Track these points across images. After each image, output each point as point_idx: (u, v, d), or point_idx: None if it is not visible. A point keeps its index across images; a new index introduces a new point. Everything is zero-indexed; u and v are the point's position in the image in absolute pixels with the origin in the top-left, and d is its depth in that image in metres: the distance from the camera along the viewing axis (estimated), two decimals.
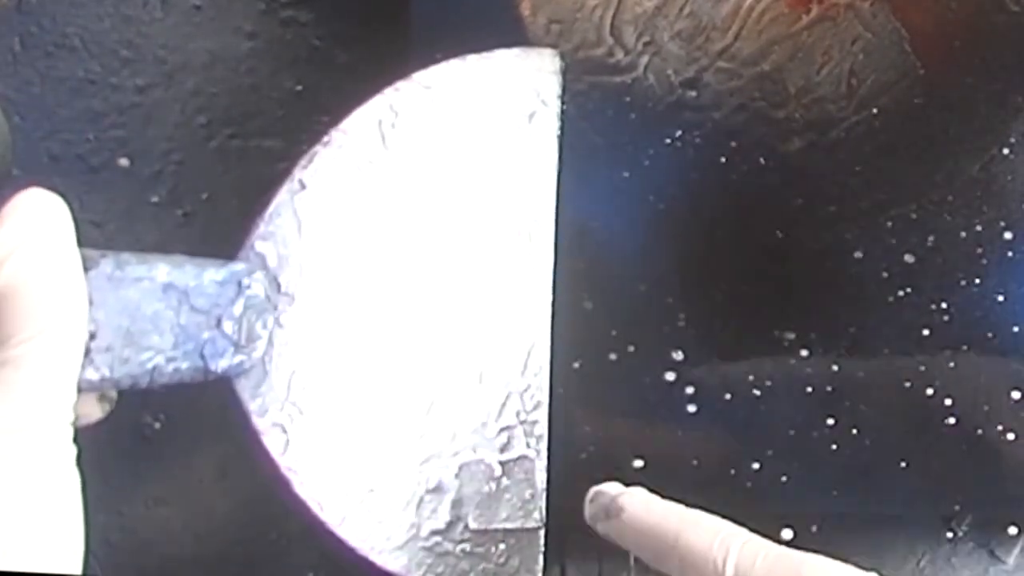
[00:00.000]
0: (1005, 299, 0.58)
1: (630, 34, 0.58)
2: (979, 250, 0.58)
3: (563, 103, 0.55)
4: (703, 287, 0.60)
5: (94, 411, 0.44)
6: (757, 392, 0.60)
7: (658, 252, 0.60)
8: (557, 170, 0.54)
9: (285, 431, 0.48)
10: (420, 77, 0.52)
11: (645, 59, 0.58)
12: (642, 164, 0.59)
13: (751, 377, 0.60)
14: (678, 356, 0.60)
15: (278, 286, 0.47)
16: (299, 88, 0.65)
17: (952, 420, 0.59)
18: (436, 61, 0.59)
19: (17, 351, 0.37)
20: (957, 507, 0.62)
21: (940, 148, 0.58)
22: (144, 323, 0.42)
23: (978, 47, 0.56)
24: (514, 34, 0.59)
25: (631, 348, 0.60)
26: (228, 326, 0.45)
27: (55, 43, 0.64)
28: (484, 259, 0.53)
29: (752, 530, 0.63)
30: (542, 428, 0.54)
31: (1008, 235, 0.58)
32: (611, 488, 0.51)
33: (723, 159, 0.59)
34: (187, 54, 0.65)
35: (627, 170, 0.59)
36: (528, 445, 0.53)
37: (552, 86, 0.54)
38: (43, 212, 0.39)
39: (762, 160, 0.58)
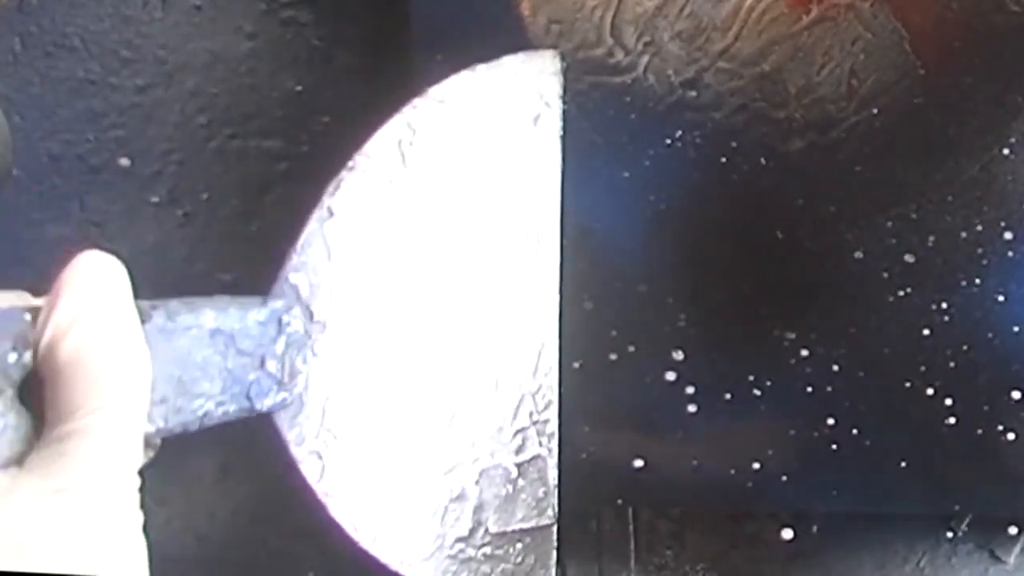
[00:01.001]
0: (1005, 299, 0.58)
1: (630, 34, 0.58)
2: (979, 250, 0.58)
3: (564, 103, 0.55)
4: (703, 287, 0.60)
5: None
6: (757, 392, 0.60)
7: (658, 252, 0.60)
8: (561, 170, 0.55)
9: (321, 457, 0.49)
10: (434, 92, 0.52)
11: (645, 59, 0.58)
12: (642, 164, 0.59)
13: (751, 377, 0.60)
14: (678, 356, 0.60)
15: (311, 316, 0.48)
16: (299, 88, 0.65)
17: (952, 420, 0.59)
18: (436, 61, 0.59)
19: (84, 422, 0.36)
20: (957, 507, 0.62)
21: (940, 148, 0.58)
22: (194, 371, 0.42)
23: (978, 47, 0.56)
24: (514, 33, 0.59)
25: (631, 348, 0.60)
26: (272, 365, 0.46)
27: (55, 43, 0.64)
28: (496, 264, 0.53)
29: (752, 530, 0.64)
30: (553, 426, 0.54)
31: (1008, 235, 0.58)
32: None
33: (723, 159, 0.59)
34: (187, 54, 0.65)
35: (627, 170, 0.59)
36: (541, 444, 0.54)
37: (554, 87, 0.55)
38: (102, 277, 0.38)
39: (762, 160, 0.58)
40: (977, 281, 0.58)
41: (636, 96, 0.58)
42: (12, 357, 0.37)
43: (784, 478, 0.60)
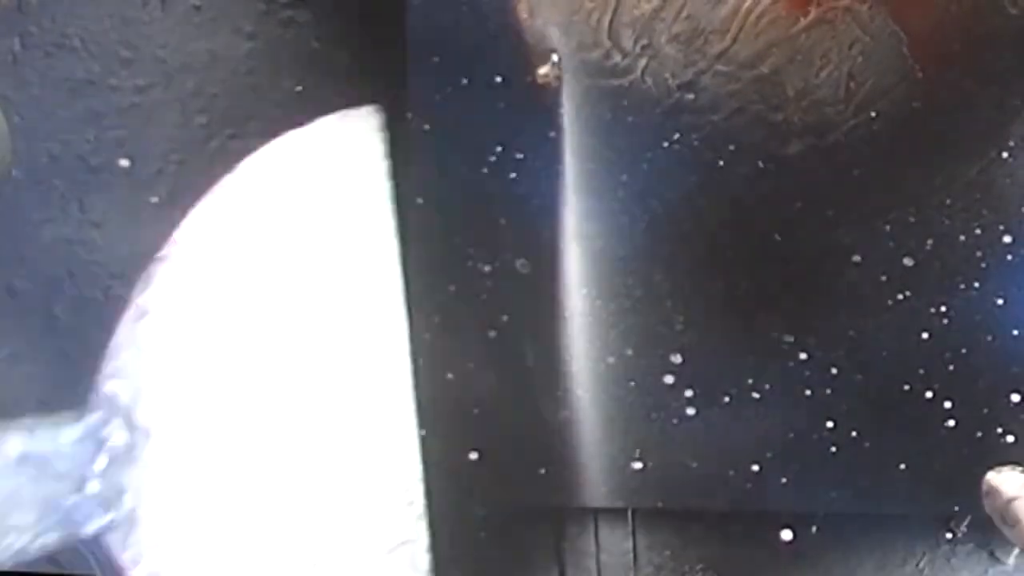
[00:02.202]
0: (1004, 302, 0.58)
1: (628, 37, 0.58)
2: (978, 253, 0.58)
3: (389, 160, 0.52)
4: (701, 290, 0.60)
5: None
6: (756, 395, 0.60)
7: (656, 255, 0.60)
8: (396, 230, 0.51)
9: None
10: (246, 166, 0.50)
11: (643, 62, 0.58)
12: (640, 167, 0.59)
13: (750, 380, 0.60)
14: (677, 359, 0.60)
15: (133, 425, 0.44)
16: (299, 88, 0.65)
17: (952, 423, 0.59)
18: (434, 62, 0.59)
19: None
20: (957, 508, 0.62)
21: (938, 151, 0.57)
22: (2, 504, 0.39)
23: (976, 51, 0.56)
24: (512, 35, 0.59)
25: (629, 351, 0.60)
26: (93, 486, 0.42)
27: (55, 43, 0.65)
28: (335, 338, 0.50)
29: (752, 530, 0.64)
30: (420, 507, 0.51)
31: (1007, 238, 0.58)
32: (1006, 485, 0.45)
33: (721, 162, 0.58)
34: (187, 54, 0.65)
35: (625, 173, 0.59)
36: (409, 527, 0.51)
37: (376, 145, 0.52)
38: None
39: (760, 163, 0.58)
40: (976, 284, 0.58)
41: (634, 99, 0.58)
42: None
43: (784, 479, 0.60)
